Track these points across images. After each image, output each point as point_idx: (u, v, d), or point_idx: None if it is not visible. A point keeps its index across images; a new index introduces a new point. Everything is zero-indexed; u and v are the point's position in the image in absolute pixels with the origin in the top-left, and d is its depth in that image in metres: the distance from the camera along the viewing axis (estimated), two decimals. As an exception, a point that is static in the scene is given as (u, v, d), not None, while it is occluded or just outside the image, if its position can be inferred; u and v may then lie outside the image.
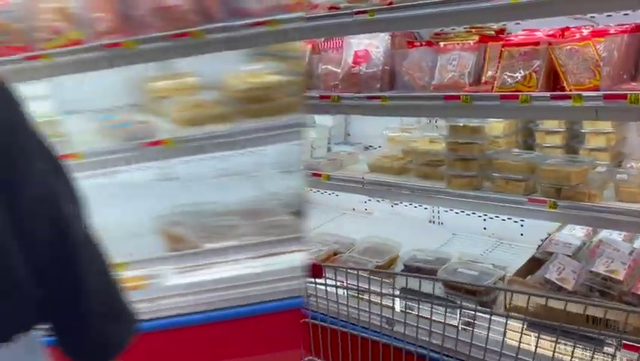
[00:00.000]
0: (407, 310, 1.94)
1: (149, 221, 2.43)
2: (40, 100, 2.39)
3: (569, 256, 2.10)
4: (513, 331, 1.75)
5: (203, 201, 2.62)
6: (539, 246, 2.31)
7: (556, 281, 1.96)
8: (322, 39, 2.68)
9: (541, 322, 1.66)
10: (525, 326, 1.70)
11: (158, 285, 2.18)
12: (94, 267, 1.21)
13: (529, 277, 2.10)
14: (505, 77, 2.04)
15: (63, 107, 2.51)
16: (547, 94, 1.89)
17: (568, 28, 2.15)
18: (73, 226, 1.18)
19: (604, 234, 2.31)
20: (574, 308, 1.67)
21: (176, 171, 3.00)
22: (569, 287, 1.94)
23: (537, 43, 2.02)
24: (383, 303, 1.95)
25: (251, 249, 2.17)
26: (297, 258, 2.15)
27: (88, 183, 2.56)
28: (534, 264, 2.18)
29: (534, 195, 2.06)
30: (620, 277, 1.89)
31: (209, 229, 2.27)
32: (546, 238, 2.33)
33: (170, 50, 2.09)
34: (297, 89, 2.41)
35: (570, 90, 1.88)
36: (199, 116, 2.38)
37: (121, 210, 2.58)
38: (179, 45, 2.06)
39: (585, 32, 2.04)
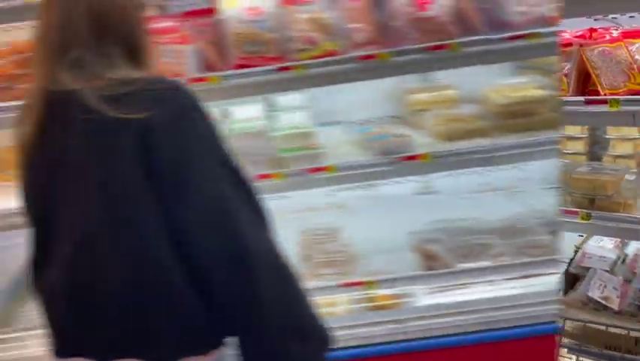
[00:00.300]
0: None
1: (404, 237, 2.61)
2: (295, 111, 2.77)
3: (606, 271, 2.22)
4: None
5: (461, 217, 2.74)
6: (571, 260, 2.47)
7: (600, 300, 2.10)
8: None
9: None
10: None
11: (409, 305, 2.33)
12: (274, 280, 1.24)
13: (569, 293, 2.26)
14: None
15: (318, 119, 2.81)
16: (581, 98, 2.03)
17: (594, 30, 2.15)
18: (248, 235, 1.21)
19: (635, 245, 2.39)
20: (618, 328, 1.85)
21: (436, 185, 3.29)
22: (614, 307, 2.07)
23: (568, 45, 2.05)
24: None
25: (505, 270, 2.24)
26: (552, 280, 2.18)
27: (344, 195, 3.11)
28: (570, 279, 2.35)
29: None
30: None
31: (464, 247, 2.43)
32: (576, 251, 2.48)
33: (425, 63, 2.24)
34: (557, 104, 2.38)
35: (605, 94, 1.99)
36: (458, 130, 2.50)
37: (376, 224, 2.92)
38: (434, 58, 2.20)
39: (615, 33, 2.06)
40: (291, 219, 3.01)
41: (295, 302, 1.28)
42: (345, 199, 3.17)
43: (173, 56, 2.27)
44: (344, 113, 2.98)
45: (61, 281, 1.30)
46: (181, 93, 1.27)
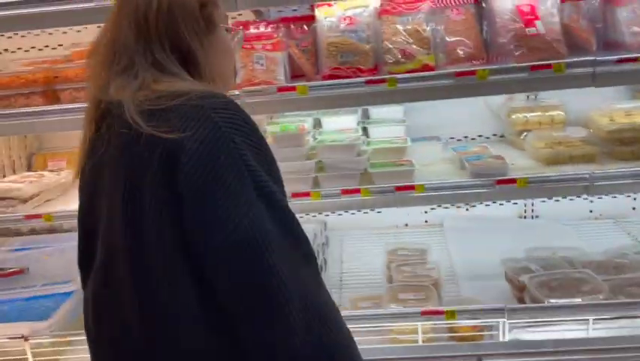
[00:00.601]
0: None
1: (497, 263, 2.64)
2: (391, 124, 2.92)
3: None
4: None
5: (560, 246, 2.76)
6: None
7: None
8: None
9: None
10: None
11: (492, 339, 2.34)
12: (312, 330, 1.18)
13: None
14: None
15: (413, 133, 2.93)
16: None
17: None
18: (282, 276, 1.16)
19: None
20: None
21: (537, 208, 3.25)
22: None
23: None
24: None
25: (600, 309, 2.21)
26: None
27: (439, 213, 3.24)
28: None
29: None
30: None
31: (557, 280, 2.46)
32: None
33: (527, 83, 2.27)
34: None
35: None
36: (561, 154, 2.51)
37: (470, 246, 2.95)
38: (537, 78, 2.23)
39: None
40: (379, 236, 3.22)
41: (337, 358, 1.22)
42: (440, 217, 3.31)
43: (264, 63, 2.52)
44: (442, 128, 3.10)
45: (91, 295, 1.39)
46: (224, 113, 1.23)
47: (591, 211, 3.22)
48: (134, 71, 1.33)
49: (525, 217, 3.24)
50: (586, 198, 3.12)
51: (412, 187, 2.47)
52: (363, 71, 2.44)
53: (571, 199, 3.15)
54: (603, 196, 3.05)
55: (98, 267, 1.37)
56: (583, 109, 2.86)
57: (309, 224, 2.98)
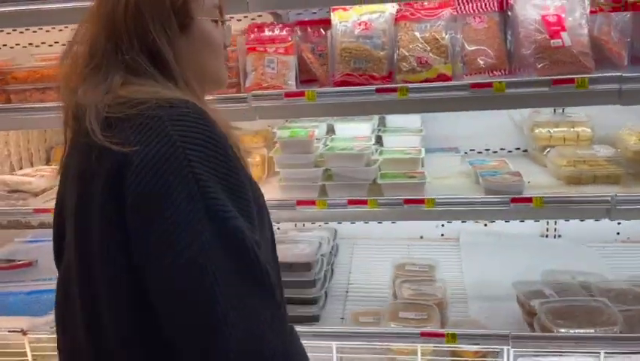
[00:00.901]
0: None
1: (510, 284, 2.48)
2: (407, 134, 2.75)
3: None
4: None
5: (578, 270, 2.57)
6: None
7: None
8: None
9: None
10: None
11: None
12: None
13: None
14: None
15: (431, 144, 2.81)
16: None
17: None
18: (220, 308, 1.02)
19: None
20: None
21: (560, 227, 3.06)
22: None
23: None
24: None
25: (613, 342, 2.04)
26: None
27: (455, 227, 3.05)
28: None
29: None
30: None
31: (571, 307, 2.28)
32: None
33: (547, 98, 2.10)
34: None
35: None
36: (584, 174, 2.34)
37: (484, 264, 2.79)
38: (559, 93, 2.06)
39: None
40: (391, 248, 3.05)
41: None
42: (457, 231, 3.13)
43: (276, 67, 2.40)
44: (462, 139, 2.93)
45: (56, 303, 1.33)
46: (183, 126, 1.08)
47: (618, 234, 3.00)
48: (103, 73, 1.22)
49: (547, 236, 3.04)
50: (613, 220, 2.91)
51: (421, 201, 2.33)
52: (376, 79, 2.30)
53: (597, 220, 2.93)
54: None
55: (62, 272, 1.30)
56: (612, 126, 2.66)
57: (315, 232, 2.86)
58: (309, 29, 2.57)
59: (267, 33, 2.48)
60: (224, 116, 1.28)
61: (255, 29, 2.50)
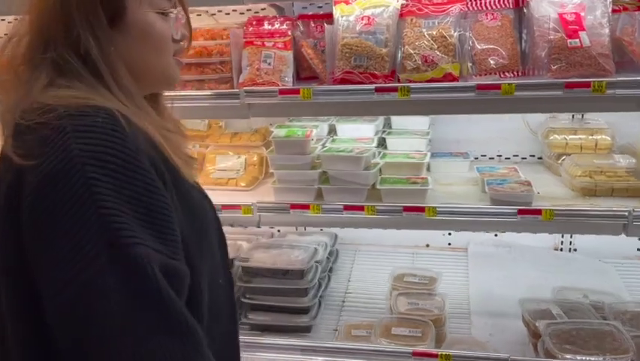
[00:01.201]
0: None
1: (517, 300, 2.30)
2: (411, 136, 2.54)
3: None
4: None
5: (593, 289, 2.38)
6: None
7: None
8: None
9: None
10: None
11: None
12: None
13: None
14: None
15: (439, 148, 2.63)
16: None
17: None
18: (109, 350, 0.88)
19: None
20: None
21: (576, 240, 2.83)
22: None
23: None
24: None
25: None
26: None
27: (463, 235, 2.82)
28: None
29: None
30: None
31: (580, 330, 2.07)
32: None
33: (560, 102, 1.92)
34: None
35: None
36: (600, 185, 2.14)
37: (491, 276, 2.60)
38: (572, 97, 1.87)
39: None
40: (395, 255, 2.85)
41: None
42: (466, 241, 2.90)
43: (272, 62, 2.23)
44: (472, 143, 2.72)
45: None
46: (88, 139, 0.94)
47: (638, 250, 2.76)
48: (31, 71, 1.09)
49: (561, 249, 2.81)
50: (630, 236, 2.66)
51: (421, 209, 2.14)
52: (377, 77, 2.11)
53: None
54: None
55: None
56: (634, 134, 2.42)
57: (314, 236, 2.68)
58: (311, 24, 2.39)
59: (267, 27, 2.32)
60: (172, 119, 1.21)
61: (254, 22, 2.33)
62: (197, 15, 2.81)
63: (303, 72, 2.35)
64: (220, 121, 2.82)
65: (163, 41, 1.17)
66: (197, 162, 1.27)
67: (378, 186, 2.21)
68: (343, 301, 2.53)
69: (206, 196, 1.25)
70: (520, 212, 2.07)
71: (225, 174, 2.51)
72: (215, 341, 1.14)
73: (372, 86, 2.03)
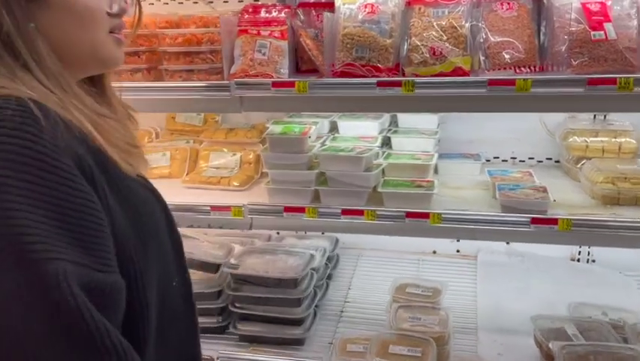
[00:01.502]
0: None
1: (528, 319, 2.07)
2: (418, 135, 2.34)
3: None
4: None
5: (612, 306, 2.15)
6: None
7: None
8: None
9: None
10: None
11: None
12: None
13: None
14: None
15: (449, 149, 2.43)
16: None
17: None
18: None
19: None
20: None
21: (594, 251, 2.64)
22: None
23: None
24: None
25: None
26: None
27: (473, 241, 2.59)
28: None
29: None
30: None
31: (597, 353, 1.86)
32: None
33: (579, 100, 1.70)
34: None
35: None
36: (624, 193, 1.91)
37: (501, 288, 2.38)
38: (594, 95, 1.66)
39: None
40: (400, 261, 2.64)
41: None
42: (476, 248, 2.67)
43: (267, 53, 2.03)
44: (485, 144, 2.49)
45: None
46: None
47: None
48: None
49: (578, 260, 2.57)
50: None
51: (426, 215, 1.94)
52: (380, 70, 1.90)
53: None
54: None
55: None
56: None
57: (313, 240, 2.48)
58: (313, 12, 2.19)
59: (263, 15, 2.12)
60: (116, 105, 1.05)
61: (250, 10, 2.13)
62: (194, 2, 2.63)
63: (304, 64, 2.15)
64: (216, 115, 2.62)
65: (90, 15, 0.98)
66: (142, 151, 1.09)
67: (379, 189, 2.00)
68: (341, 311, 2.32)
69: (153, 190, 1.08)
70: (534, 221, 1.86)
71: (218, 172, 2.32)
72: (170, 341, 1.09)
73: (374, 80, 1.83)
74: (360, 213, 1.98)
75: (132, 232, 0.94)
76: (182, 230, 1.19)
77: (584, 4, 1.85)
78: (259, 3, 2.29)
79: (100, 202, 0.87)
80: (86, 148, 0.87)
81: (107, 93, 1.13)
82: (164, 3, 2.63)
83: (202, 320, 2.12)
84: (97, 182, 0.87)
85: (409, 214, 1.95)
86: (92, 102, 0.99)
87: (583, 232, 1.82)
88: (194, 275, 2.16)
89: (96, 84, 1.10)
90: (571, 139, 2.25)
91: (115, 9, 1.02)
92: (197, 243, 2.28)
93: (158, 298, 1.03)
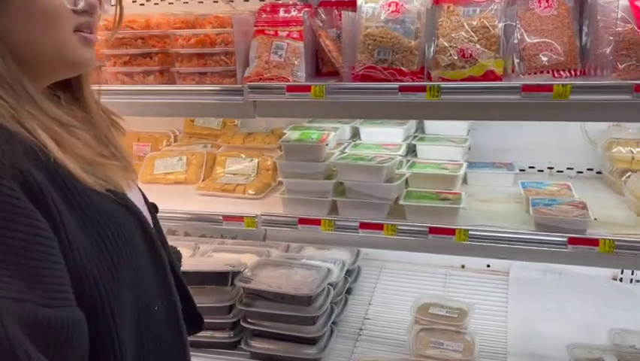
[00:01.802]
0: None
1: (564, 346, 1.89)
2: (446, 143, 2.16)
3: None
4: None
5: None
6: None
7: None
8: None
9: None
10: None
11: None
12: None
13: None
14: None
15: (480, 157, 2.25)
16: None
17: None
18: None
19: None
20: None
21: (638, 272, 2.39)
22: None
23: None
24: None
25: None
26: None
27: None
28: None
29: None
30: None
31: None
32: None
33: (624, 109, 1.50)
34: None
35: None
36: None
37: (535, 309, 2.18)
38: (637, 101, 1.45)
39: None
40: (425, 276, 2.44)
41: None
42: (507, 263, 2.44)
43: (284, 54, 1.88)
44: (519, 153, 2.29)
45: None
46: None
47: None
48: None
49: (620, 280, 2.34)
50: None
51: (451, 231, 1.76)
52: (404, 74, 1.72)
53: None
54: None
55: None
56: None
57: (333, 251, 2.32)
58: (334, 12, 2.02)
59: (282, 14, 1.96)
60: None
61: (268, 9, 1.98)
62: (214, 1, 2.49)
63: (325, 67, 2.00)
64: (235, 119, 2.48)
65: (51, 12, 0.85)
66: (126, 162, 0.96)
67: (401, 202, 1.83)
68: (360, 329, 2.16)
69: (127, 206, 0.94)
70: (572, 241, 1.66)
71: (234, 178, 2.18)
72: None
73: (396, 85, 1.65)
74: (380, 227, 1.81)
75: (97, 253, 0.83)
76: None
77: (632, 2, 1.63)
78: (279, 2, 2.14)
79: (53, 223, 0.76)
80: (36, 162, 0.76)
81: (83, 99, 1.01)
82: (184, 2, 2.49)
83: (213, 334, 1.99)
84: (48, 200, 0.76)
85: (432, 230, 1.77)
86: (54, 110, 0.86)
87: (627, 255, 1.62)
88: (204, 289, 2.04)
89: (71, 89, 0.99)
90: (615, 149, 2.03)
91: (80, 5, 0.88)
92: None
93: (136, 327, 0.92)
